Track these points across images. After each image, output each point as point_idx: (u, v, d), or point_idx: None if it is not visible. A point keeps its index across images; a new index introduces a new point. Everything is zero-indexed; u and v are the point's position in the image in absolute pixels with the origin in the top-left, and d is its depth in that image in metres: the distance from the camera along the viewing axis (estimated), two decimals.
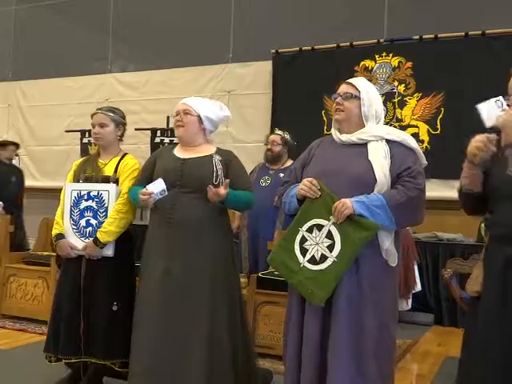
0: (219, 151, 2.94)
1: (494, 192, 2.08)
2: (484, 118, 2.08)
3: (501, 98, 2.06)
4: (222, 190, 2.68)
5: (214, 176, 2.79)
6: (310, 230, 2.37)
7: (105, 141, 3.13)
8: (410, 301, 4.96)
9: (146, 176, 2.95)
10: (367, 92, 2.45)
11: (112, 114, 3.13)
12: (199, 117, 2.90)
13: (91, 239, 2.96)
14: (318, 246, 2.34)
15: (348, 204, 2.27)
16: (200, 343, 2.67)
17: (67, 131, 7.35)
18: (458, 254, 4.92)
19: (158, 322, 2.70)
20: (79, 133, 6.95)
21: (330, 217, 2.32)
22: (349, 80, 2.52)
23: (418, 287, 5.00)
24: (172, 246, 2.77)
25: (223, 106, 3.02)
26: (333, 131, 2.55)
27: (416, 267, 4.98)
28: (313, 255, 2.34)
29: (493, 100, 2.05)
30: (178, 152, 2.94)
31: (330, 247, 2.31)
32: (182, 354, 2.66)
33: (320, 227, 2.34)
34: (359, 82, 2.50)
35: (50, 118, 7.67)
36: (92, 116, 3.16)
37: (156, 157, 3.01)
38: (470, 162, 2.03)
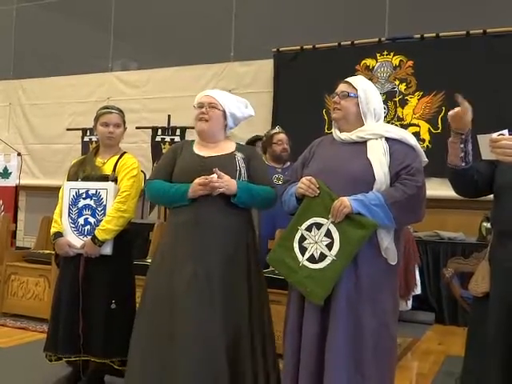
0: (240, 148, 2.78)
1: (502, 189, 2.08)
2: (481, 149, 2.05)
3: (505, 131, 2.00)
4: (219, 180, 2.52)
5: (237, 175, 2.64)
6: (309, 229, 2.36)
7: (115, 141, 3.15)
8: (410, 302, 4.93)
9: (168, 173, 2.74)
10: (364, 90, 2.45)
11: (123, 115, 3.19)
12: (224, 112, 2.73)
13: (89, 237, 2.96)
14: (317, 244, 2.33)
15: (346, 203, 2.26)
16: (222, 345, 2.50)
17: (68, 129, 7.35)
18: (459, 253, 4.92)
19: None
20: (80, 131, 6.95)
21: (329, 215, 2.31)
22: (346, 79, 2.52)
23: (418, 290, 4.96)
24: (198, 248, 2.58)
25: (248, 104, 2.86)
26: (333, 130, 2.55)
27: (417, 270, 4.96)
28: (312, 254, 2.33)
29: (495, 134, 1.97)
30: (198, 149, 2.74)
31: (329, 246, 2.30)
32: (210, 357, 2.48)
33: (319, 226, 2.34)
34: (357, 80, 2.50)
35: (51, 116, 7.67)
36: (103, 114, 3.12)
37: (175, 153, 2.79)
38: (452, 131, 2.12)
